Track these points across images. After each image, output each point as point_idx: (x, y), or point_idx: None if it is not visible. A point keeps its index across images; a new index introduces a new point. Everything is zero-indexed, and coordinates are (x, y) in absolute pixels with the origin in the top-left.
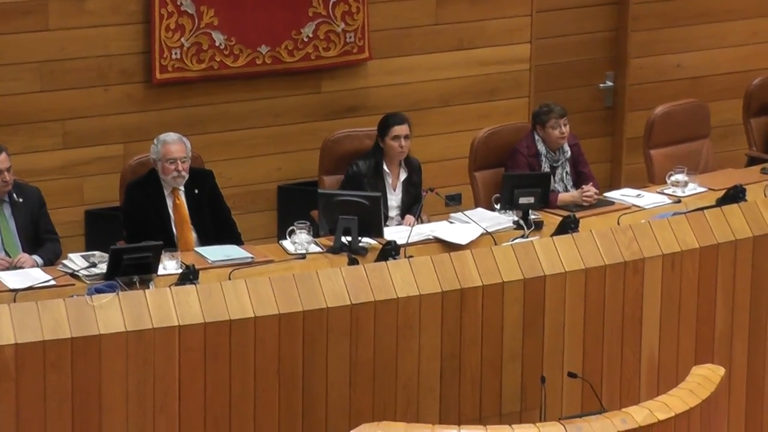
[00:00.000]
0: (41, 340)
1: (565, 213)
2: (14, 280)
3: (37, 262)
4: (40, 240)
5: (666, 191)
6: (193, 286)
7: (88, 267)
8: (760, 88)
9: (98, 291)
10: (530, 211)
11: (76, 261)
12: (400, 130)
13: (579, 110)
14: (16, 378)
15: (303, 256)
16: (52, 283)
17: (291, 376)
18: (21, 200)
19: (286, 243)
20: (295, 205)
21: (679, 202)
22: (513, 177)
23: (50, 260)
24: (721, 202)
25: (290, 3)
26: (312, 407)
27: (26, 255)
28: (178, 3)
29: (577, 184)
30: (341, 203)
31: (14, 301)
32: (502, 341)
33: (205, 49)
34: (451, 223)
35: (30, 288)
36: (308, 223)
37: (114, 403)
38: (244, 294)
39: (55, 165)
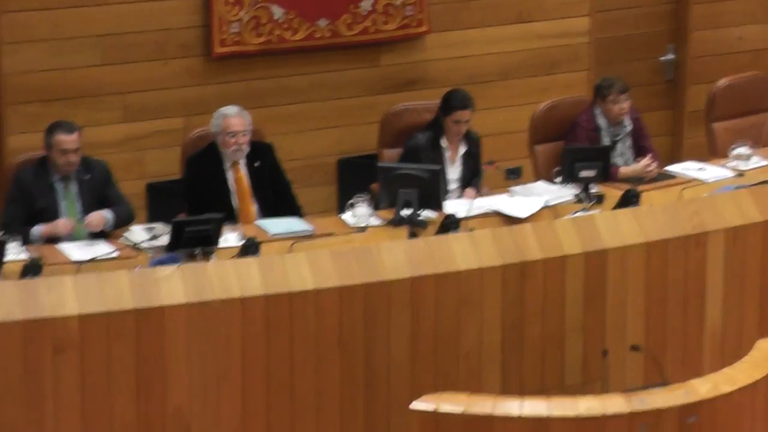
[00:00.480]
0: (105, 312)
1: (627, 186)
2: (78, 252)
3: (106, 217)
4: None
5: (728, 165)
6: (254, 258)
7: (150, 239)
8: None
9: (160, 263)
10: (591, 185)
11: (138, 233)
12: (462, 115)
13: (639, 83)
14: (81, 349)
15: (363, 229)
16: (115, 255)
17: (352, 349)
18: (88, 177)
19: (347, 216)
20: (355, 178)
21: (741, 175)
22: (573, 150)
23: (122, 218)
24: None
25: None
26: (374, 379)
27: (94, 214)
28: None
29: (638, 158)
30: (401, 176)
31: (78, 272)
32: (564, 314)
33: (264, 23)
34: (512, 196)
35: (93, 260)
36: (368, 196)
37: (177, 373)
38: (305, 267)
39: (116, 138)
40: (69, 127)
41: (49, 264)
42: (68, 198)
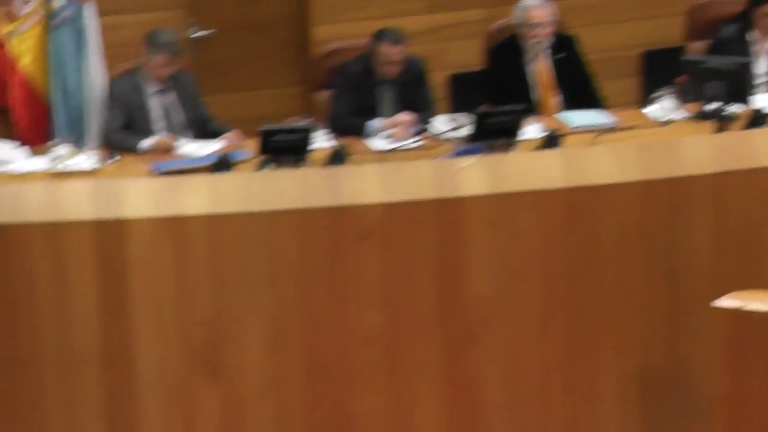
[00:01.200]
0: (407, 201)
1: None
2: (381, 141)
3: (411, 131)
4: (417, 109)
5: None
6: (556, 150)
7: (453, 129)
8: None
9: (462, 153)
10: None
11: (441, 124)
12: None
13: None
14: (383, 236)
15: (667, 123)
16: (418, 145)
17: (654, 244)
18: (405, 77)
19: (650, 109)
20: (659, 71)
21: None
22: None
23: (422, 125)
24: None
25: None
26: (677, 275)
27: (401, 128)
28: None
29: None
30: (707, 70)
31: (381, 161)
32: None
33: None
34: None
35: (396, 149)
36: (673, 90)
37: (477, 264)
38: (608, 160)
39: (420, 29)
40: (395, 38)
41: (353, 153)
42: (386, 101)
